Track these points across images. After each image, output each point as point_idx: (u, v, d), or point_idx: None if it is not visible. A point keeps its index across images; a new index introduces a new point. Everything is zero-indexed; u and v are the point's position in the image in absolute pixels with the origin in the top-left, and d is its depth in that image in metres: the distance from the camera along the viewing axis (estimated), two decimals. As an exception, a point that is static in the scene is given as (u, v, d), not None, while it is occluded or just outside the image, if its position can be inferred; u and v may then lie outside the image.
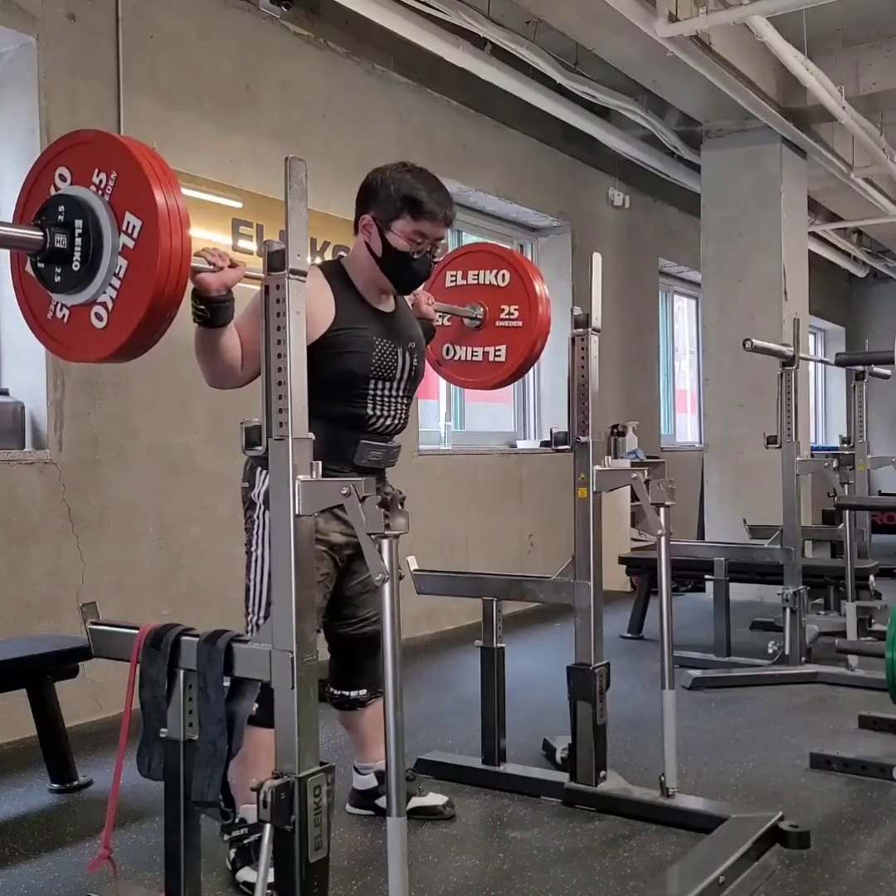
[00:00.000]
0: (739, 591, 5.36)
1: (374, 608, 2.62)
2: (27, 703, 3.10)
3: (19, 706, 3.20)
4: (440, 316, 3.13)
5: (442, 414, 6.35)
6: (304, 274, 1.83)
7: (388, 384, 2.52)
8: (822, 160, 6.98)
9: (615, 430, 7.51)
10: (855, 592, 4.64)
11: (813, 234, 8.86)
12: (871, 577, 4.96)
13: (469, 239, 6.84)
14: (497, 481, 6.33)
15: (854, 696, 4.08)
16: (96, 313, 1.83)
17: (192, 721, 1.94)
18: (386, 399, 2.52)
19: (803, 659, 4.45)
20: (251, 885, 2.21)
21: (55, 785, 3.12)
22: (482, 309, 3.21)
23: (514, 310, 3.16)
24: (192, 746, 1.93)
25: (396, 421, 2.57)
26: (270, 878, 1.79)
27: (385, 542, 1.74)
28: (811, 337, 11.81)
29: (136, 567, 4.05)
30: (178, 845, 1.96)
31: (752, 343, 4.28)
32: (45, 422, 3.80)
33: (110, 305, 1.80)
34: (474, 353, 3.24)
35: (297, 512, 1.80)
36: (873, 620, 4.97)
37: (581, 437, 2.90)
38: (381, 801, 2.72)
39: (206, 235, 4.38)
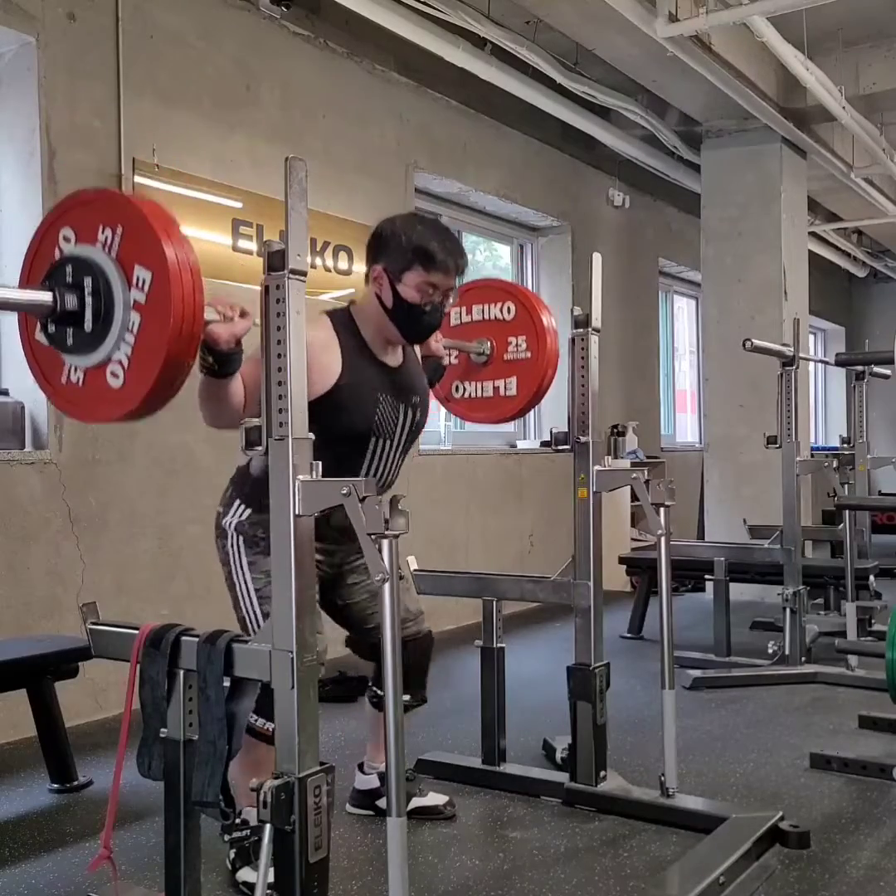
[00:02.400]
0: (739, 591, 5.36)
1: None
2: (27, 703, 3.10)
3: (19, 706, 3.20)
4: (448, 353, 3.09)
5: (442, 414, 6.34)
6: (304, 274, 1.82)
7: (387, 442, 2.51)
8: (822, 160, 6.98)
9: (615, 430, 7.51)
10: (855, 592, 4.64)
11: (813, 234, 8.86)
12: (871, 577, 4.96)
13: (469, 239, 6.84)
14: (497, 481, 6.33)
15: (854, 696, 4.08)
16: (112, 372, 1.80)
17: (192, 721, 1.94)
18: (382, 456, 2.51)
19: (803, 659, 4.45)
20: (251, 885, 2.21)
21: (55, 785, 3.12)
22: (489, 343, 3.18)
23: (522, 341, 3.13)
24: (192, 746, 1.93)
25: (387, 477, 2.56)
26: (270, 878, 1.80)
27: (385, 542, 1.74)
28: (811, 337, 11.81)
29: (136, 567, 4.05)
30: (178, 845, 1.96)
31: (752, 343, 4.28)
32: (46, 422, 3.80)
33: (126, 362, 1.77)
34: (484, 389, 3.21)
35: (297, 512, 1.80)
36: (873, 620, 4.97)
37: (581, 437, 2.90)
38: (383, 802, 2.72)
39: (207, 235, 4.38)
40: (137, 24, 4.09)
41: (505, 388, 3.18)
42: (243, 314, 2.01)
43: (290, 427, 1.79)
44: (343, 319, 2.51)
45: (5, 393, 3.86)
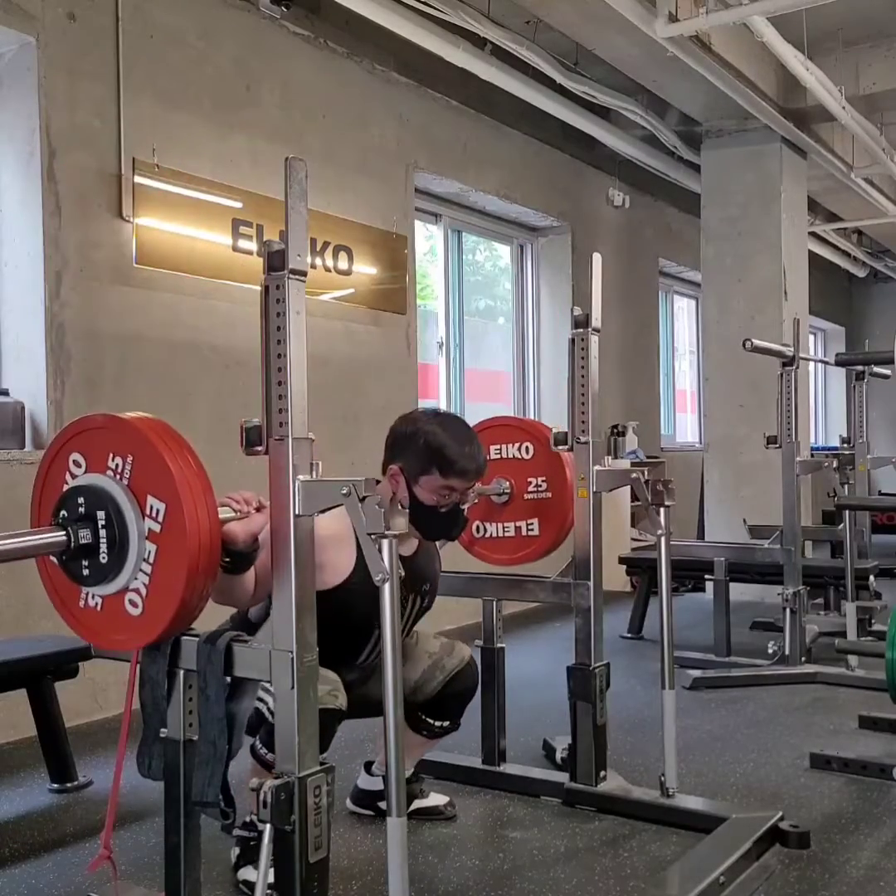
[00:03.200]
0: (739, 591, 5.36)
1: (417, 669, 2.66)
2: (27, 703, 3.10)
3: (19, 706, 3.20)
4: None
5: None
6: (304, 274, 1.82)
7: None
8: (822, 160, 6.98)
9: (615, 430, 7.51)
10: (855, 592, 4.64)
11: (813, 234, 8.86)
12: (871, 577, 4.96)
13: (469, 239, 6.84)
14: (497, 481, 6.31)
15: (854, 696, 4.08)
16: (130, 600, 1.78)
17: (192, 721, 1.94)
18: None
19: (803, 659, 4.45)
20: (251, 885, 2.21)
21: (55, 785, 3.12)
22: (508, 483, 3.13)
23: (542, 481, 3.09)
24: (192, 746, 1.93)
25: None
26: (270, 878, 1.79)
27: (384, 542, 1.74)
28: (811, 337, 11.81)
29: (136, 567, 4.05)
30: (178, 845, 1.96)
31: (752, 343, 4.28)
32: (45, 422, 3.80)
33: (144, 592, 1.76)
34: (505, 529, 3.16)
35: (297, 512, 1.80)
36: (873, 620, 4.97)
37: (581, 437, 2.90)
38: (384, 804, 2.72)
39: (207, 235, 4.38)
40: (137, 24, 4.08)
41: (527, 528, 3.13)
42: (259, 508, 1.95)
43: (290, 427, 1.79)
44: None
45: (5, 393, 3.86)
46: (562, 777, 3.00)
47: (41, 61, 3.77)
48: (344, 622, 2.32)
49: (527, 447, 3.14)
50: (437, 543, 2.76)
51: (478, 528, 3.21)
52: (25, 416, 3.82)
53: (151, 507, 1.74)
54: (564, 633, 3.83)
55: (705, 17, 4.75)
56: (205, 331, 4.33)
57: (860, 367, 5.54)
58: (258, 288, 1.88)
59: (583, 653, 2.92)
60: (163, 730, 1.95)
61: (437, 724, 2.74)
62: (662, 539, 2.76)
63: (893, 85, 6.21)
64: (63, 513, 1.81)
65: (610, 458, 3.03)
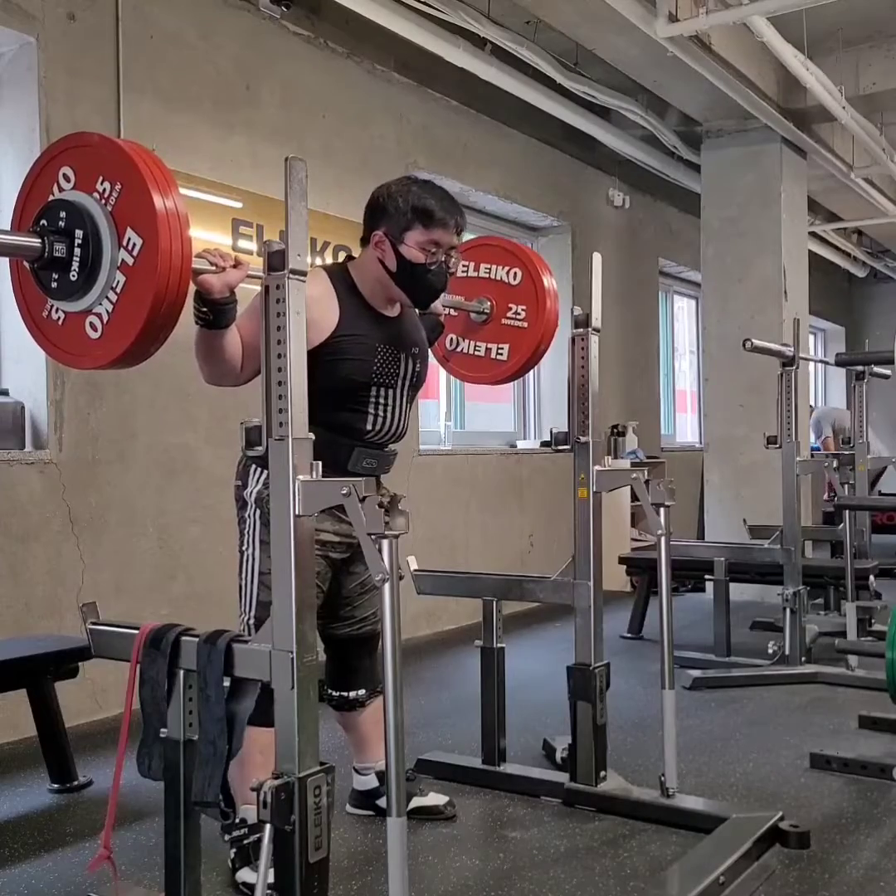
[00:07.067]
0: (739, 591, 5.36)
1: (372, 608, 2.63)
2: (27, 703, 3.10)
3: (19, 706, 3.21)
4: (447, 311, 3.09)
5: (442, 414, 6.35)
6: (304, 274, 1.82)
7: (389, 391, 2.51)
8: (822, 160, 6.98)
9: (615, 430, 7.51)
10: (855, 592, 4.64)
11: (813, 234, 8.86)
12: (871, 577, 4.96)
13: (469, 239, 6.83)
14: (497, 481, 6.33)
15: (854, 696, 4.08)
16: (91, 323, 1.81)
17: (192, 721, 1.94)
18: (387, 406, 2.51)
19: (803, 659, 4.45)
20: (251, 886, 2.21)
21: (55, 785, 3.12)
22: (489, 303, 3.17)
23: (522, 310, 3.13)
24: (192, 746, 1.93)
25: (396, 429, 2.56)
26: (270, 879, 1.79)
27: (385, 542, 1.74)
28: (811, 337, 11.81)
29: (136, 567, 4.05)
30: (178, 845, 1.96)
31: (752, 343, 4.28)
32: (45, 422, 3.80)
33: (105, 318, 1.79)
34: (476, 348, 3.22)
35: (297, 512, 1.80)
36: (873, 620, 4.97)
37: (581, 437, 2.90)
38: (382, 802, 2.72)
39: (207, 236, 4.38)
40: (137, 24, 4.08)
41: (497, 351, 3.18)
42: (236, 264, 2.01)
43: (290, 427, 1.79)
44: (340, 275, 2.52)
45: (5, 393, 3.86)
46: (562, 777, 3.00)
47: (41, 61, 3.77)
48: (339, 381, 2.39)
49: (515, 273, 3.16)
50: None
51: (452, 340, 3.25)
52: (25, 416, 3.83)
53: (129, 240, 1.74)
54: (564, 634, 3.84)
55: (705, 17, 4.75)
56: (205, 331, 4.33)
57: (860, 367, 5.54)
58: (258, 288, 1.88)
59: (583, 653, 2.92)
60: (163, 730, 1.96)
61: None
62: (662, 539, 2.76)
63: (893, 85, 6.21)
64: (43, 222, 1.81)
65: (610, 458, 3.04)
